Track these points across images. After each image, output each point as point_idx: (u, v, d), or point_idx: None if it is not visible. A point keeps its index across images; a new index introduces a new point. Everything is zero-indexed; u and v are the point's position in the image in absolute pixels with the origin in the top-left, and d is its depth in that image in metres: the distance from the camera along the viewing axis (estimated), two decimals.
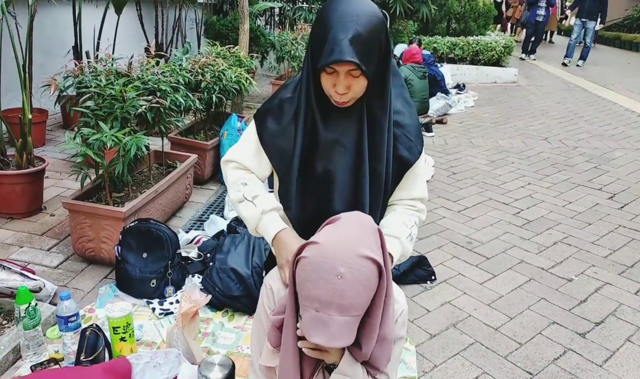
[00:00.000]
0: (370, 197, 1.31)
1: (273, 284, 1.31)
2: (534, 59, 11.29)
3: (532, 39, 11.33)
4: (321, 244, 1.02)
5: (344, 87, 1.19)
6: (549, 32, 15.19)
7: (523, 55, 11.52)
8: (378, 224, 1.36)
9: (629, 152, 4.97)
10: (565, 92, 8.02)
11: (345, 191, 1.30)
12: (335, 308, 0.98)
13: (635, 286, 2.63)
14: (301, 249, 1.05)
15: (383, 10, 8.49)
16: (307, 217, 1.33)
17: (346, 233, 1.04)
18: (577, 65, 10.45)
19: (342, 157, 1.29)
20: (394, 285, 1.35)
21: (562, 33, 16.05)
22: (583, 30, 10.09)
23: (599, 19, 9.94)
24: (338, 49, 1.12)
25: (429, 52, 7.21)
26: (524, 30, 15.13)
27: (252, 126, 1.39)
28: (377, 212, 1.35)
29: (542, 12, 10.65)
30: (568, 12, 10.87)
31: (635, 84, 8.68)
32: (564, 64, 10.54)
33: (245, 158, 1.39)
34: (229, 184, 1.42)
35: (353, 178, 1.30)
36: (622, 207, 3.64)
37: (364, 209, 1.29)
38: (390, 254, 1.30)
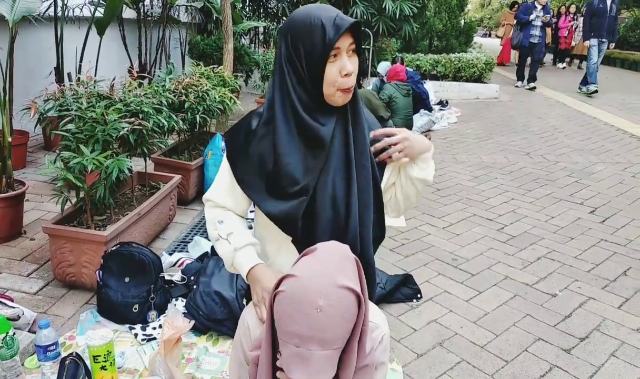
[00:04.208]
0: (359, 194, 1.29)
1: (250, 321, 1.30)
2: (534, 87, 9.72)
3: (528, 63, 9.92)
4: (298, 277, 1.00)
5: (351, 65, 1.21)
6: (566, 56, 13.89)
7: (519, 84, 10.04)
8: (372, 222, 1.33)
9: (608, 166, 5.06)
10: (546, 107, 8.17)
11: (337, 192, 1.28)
12: (316, 342, 0.96)
13: (618, 300, 2.66)
14: (278, 284, 1.03)
15: (366, 29, 8.55)
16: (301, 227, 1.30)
17: (323, 264, 1.02)
18: (582, 92, 9.09)
19: (332, 159, 1.28)
20: (376, 309, 1.34)
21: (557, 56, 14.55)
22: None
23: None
24: (339, 20, 1.17)
25: (412, 70, 7.31)
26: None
27: (225, 164, 1.38)
28: (369, 210, 1.32)
29: (537, 32, 9.41)
30: (586, 43, 8.86)
31: (614, 98, 8.88)
32: (596, 91, 8.98)
33: (220, 196, 1.40)
34: (207, 222, 1.43)
35: (344, 175, 1.28)
36: (604, 221, 3.69)
37: (353, 208, 1.27)
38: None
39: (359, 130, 1.30)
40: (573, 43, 13.20)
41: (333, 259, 1.03)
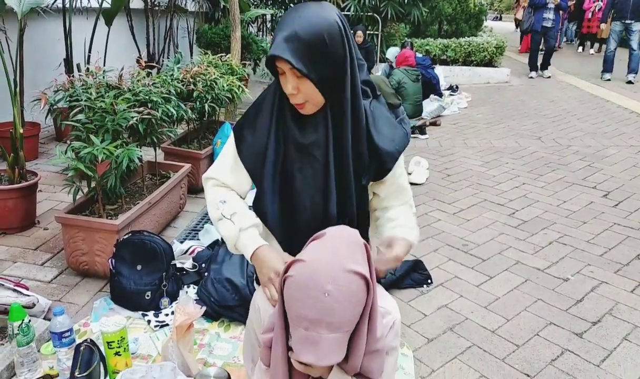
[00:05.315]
0: (337, 195, 1.30)
1: (260, 304, 1.31)
2: (549, 76, 9.12)
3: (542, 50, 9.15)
4: (307, 261, 1.01)
5: (292, 87, 1.20)
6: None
7: (532, 74, 9.18)
8: (344, 221, 1.33)
9: (622, 149, 4.98)
10: (558, 90, 8.06)
11: (315, 196, 1.30)
12: (324, 326, 0.97)
13: (631, 284, 2.64)
14: (288, 268, 1.04)
15: (375, 14, 8.51)
16: (281, 221, 1.34)
17: (332, 249, 1.03)
18: (630, 82, 8.30)
19: (311, 162, 1.29)
20: (387, 295, 1.34)
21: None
22: (621, 35, 8.26)
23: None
24: (274, 45, 1.16)
25: (421, 55, 7.23)
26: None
27: (231, 140, 1.39)
28: (346, 202, 1.31)
29: (550, 15, 8.67)
30: (603, 25, 8.47)
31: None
32: (608, 80, 8.58)
33: (223, 174, 1.39)
34: (208, 203, 1.41)
35: (322, 181, 1.29)
36: (617, 205, 3.65)
37: (331, 206, 1.28)
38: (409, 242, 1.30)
39: (342, 138, 1.27)
40: (602, 26, 12.46)
41: (341, 244, 1.04)
